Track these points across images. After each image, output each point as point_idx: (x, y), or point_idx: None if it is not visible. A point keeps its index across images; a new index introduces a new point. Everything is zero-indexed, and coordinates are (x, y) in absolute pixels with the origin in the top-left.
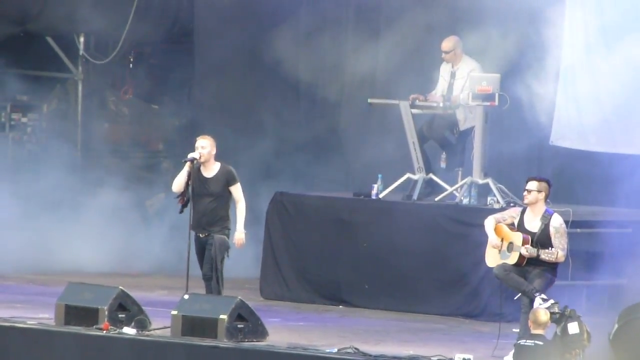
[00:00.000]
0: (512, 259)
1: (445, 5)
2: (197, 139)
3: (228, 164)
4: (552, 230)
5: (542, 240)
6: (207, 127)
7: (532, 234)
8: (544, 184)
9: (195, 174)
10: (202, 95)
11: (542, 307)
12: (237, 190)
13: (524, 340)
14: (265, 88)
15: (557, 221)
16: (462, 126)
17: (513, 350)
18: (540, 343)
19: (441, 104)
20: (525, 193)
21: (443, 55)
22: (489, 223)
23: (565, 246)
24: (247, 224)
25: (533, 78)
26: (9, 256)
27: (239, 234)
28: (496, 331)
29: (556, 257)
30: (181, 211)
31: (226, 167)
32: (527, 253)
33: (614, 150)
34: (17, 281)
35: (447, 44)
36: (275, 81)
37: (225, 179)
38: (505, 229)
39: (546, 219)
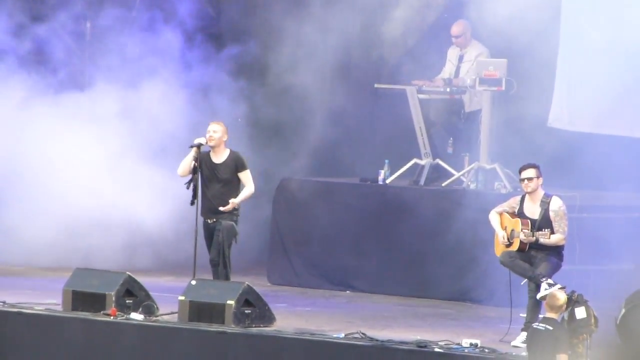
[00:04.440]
0: (514, 245)
1: None
2: (210, 123)
3: (237, 150)
4: (551, 214)
5: (544, 225)
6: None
7: (533, 221)
8: (538, 169)
9: (205, 160)
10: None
11: (558, 290)
12: (245, 176)
13: (537, 324)
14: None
15: (556, 204)
16: (468, 108)
17: (520, 335)
18: (551, 328)
19: (448, 89)
20: (525, 182)
21: (453, 39)
22: (494, 218)
23: (566, 229)
24: (253, 208)
25: (531, 61)
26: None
27: (232, 201)
28: (503, 316)
29: (549, 237)
30: (192, 203)
31: (235, 153)
32: (525, 238)
33: (607, 131)
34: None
35: (456, 28)
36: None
37: (235, 165)
38: (507, 217)
39: (545, 203)
